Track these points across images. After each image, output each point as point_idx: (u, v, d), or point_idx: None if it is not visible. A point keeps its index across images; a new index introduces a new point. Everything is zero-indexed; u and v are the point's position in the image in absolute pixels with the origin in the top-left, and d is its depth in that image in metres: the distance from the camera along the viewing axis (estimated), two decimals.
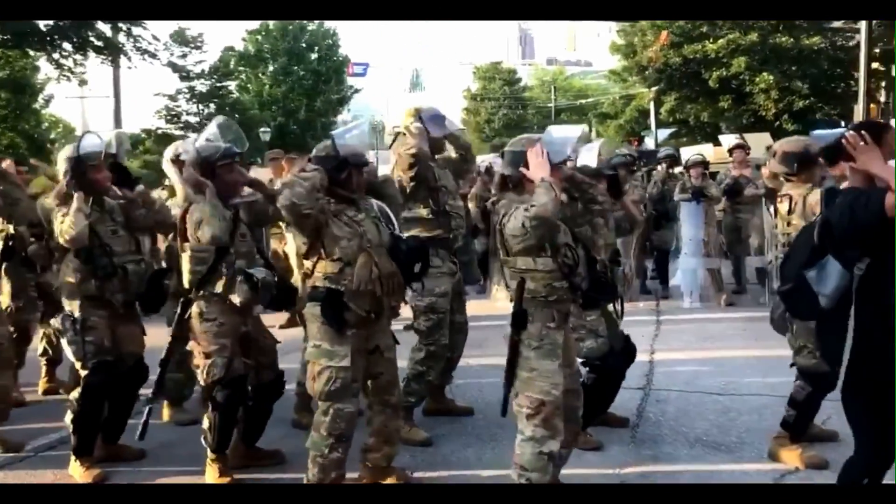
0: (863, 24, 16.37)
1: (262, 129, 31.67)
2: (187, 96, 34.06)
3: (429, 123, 4.80)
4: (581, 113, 46.84)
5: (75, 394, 4.34)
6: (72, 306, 4.33)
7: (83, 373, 4.32)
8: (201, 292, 4.14)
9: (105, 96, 21.36)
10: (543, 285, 3.42)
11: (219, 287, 4.11)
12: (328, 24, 37.82)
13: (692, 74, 23.80)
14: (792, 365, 4.39)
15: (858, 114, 16.40)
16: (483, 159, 11.28)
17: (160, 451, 4.70)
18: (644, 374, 6.04)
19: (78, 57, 17.60)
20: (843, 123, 19.36)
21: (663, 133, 28.48)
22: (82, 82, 19.43)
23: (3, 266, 5.74)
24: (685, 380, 5.99)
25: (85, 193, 4.31)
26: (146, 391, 4.54)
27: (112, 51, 17.23)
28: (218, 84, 34.42)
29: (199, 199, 4.07)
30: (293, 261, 5.48)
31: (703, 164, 9.92)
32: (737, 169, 9.91)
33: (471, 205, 9.70)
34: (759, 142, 16.11)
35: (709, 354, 6.90)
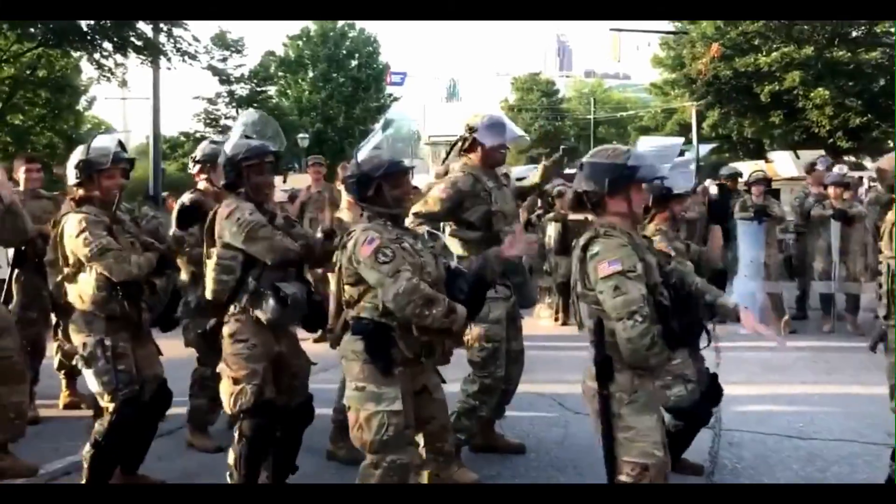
0: None
1: (300, 136, 31.49)
2: (226, 100, 34.12)
3: (484, 133, 4.35)
4: (620, 126, 46.34)
5: (99, 427, 3.88)
6: (93, 329, 3.85)
7: (110, 405, 3.85)
8: (233, 308, 3.71)
9: (145, 98, 21.25)
10: None
11: (245, 302, 3.68)
12: (369, 30, 37.73)
13: (742, 88, 23.09)
14: None
15: None
16: (518, 171, 10.86)
17: (182, 481, 4.27)
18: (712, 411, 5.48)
19: (118, 57, 17.49)
20: None
21: (704, 148, 27.77)
22: (123, 83, 19.37)
23: (15, 273, 5.33)
24: (757, 419, 5.42)
25: (94, 204, 3.89)
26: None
27: (152, 51, 17.07)
28: (258, 89, 34.41)
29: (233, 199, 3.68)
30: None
31: (766, 181, 9.36)
32: (816, 187, 9.24)
33: (550, 228, 9.29)
34: (813, 159, 15.46)
35: (777, 390, 6.33)
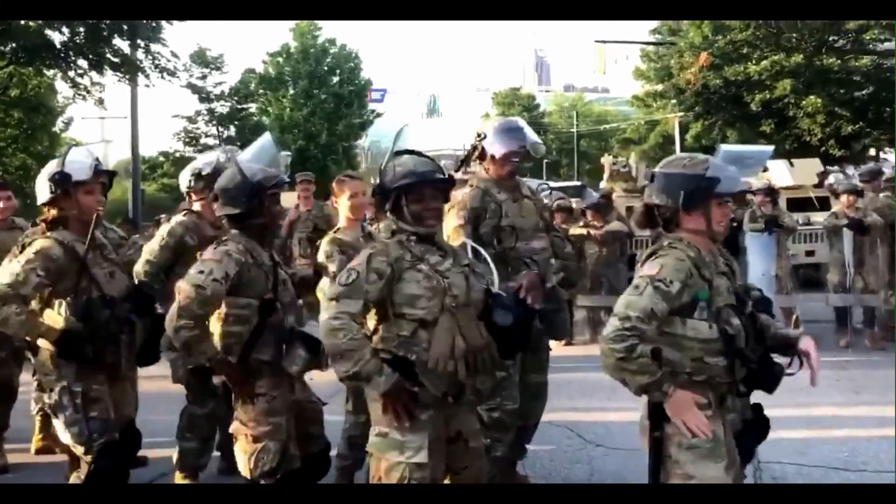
0: None
1: (283, 153, 30.95)
2: (207, 118, 33.55)
3: (494, 140, 3.91)
4: (602, 139, 46.42)
5: (75, 479, 3.42)
6: (61, 374, 3.34)
7: (86, 457, 3.36)
8: (252, 359, 3.26)
9: (123, 117, 20.69)
10: (692, 359, 2.52)
11: (267, 354, 3.24)
12: (350, 46, 37.35)
13: (732, 97, 22.89)
14: None
15: None
16: None
17: None
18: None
19: (94, 75, 16.94)
20: None
21: None
22: (99, 101, 18.78)
23: None
24: (796, 448, 4.99)
25: (71, 223, 3.40)
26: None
27: (129, 68, 16.52)
28: (238, 106, 33.89)
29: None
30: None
31: (771, 190, 9.02)
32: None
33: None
34: (809, 168, 15.19)
35: (809, 413, 5.90)
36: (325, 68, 36.24)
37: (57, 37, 15.99)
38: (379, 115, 39.22)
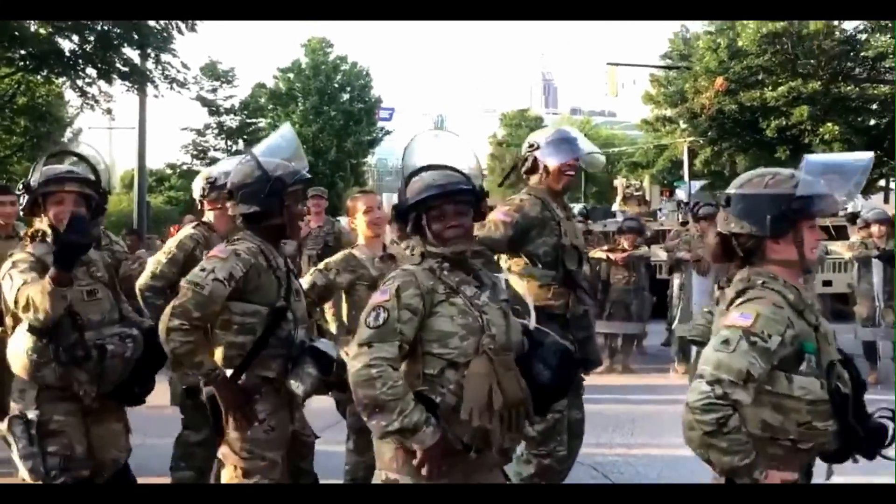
0: None
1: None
2: (216, 132, 33.40)
3: (548, 150, 3.61)
4: (609, 162, 46.32)
5: None
6: (23, 399, 2.99)
7: None
8: (252, 375, 2.89)
9: (131, 128, 20.46)
10: (798, 423, 2.12)
11: (271, 370, 2.87)
12: (361, 63, 37.32)
13: (747, 123, 22.57)
14: None
15: None
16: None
17: None
18: None
19: (102, 84, 16.72)
20: None
21: (696, 185, 27.58)
22: (107, 111, 18.57)
23: None
24: None
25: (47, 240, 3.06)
26: None
27: (138, 78, 16.32)
28: (248, 120, 33.75)
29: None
30: (331, 325, 4.15)
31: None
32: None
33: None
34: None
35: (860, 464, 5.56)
36: (336, 85, 36.18)
37: (66, 44, 15.80)
38: (388, 132, 39.14)
